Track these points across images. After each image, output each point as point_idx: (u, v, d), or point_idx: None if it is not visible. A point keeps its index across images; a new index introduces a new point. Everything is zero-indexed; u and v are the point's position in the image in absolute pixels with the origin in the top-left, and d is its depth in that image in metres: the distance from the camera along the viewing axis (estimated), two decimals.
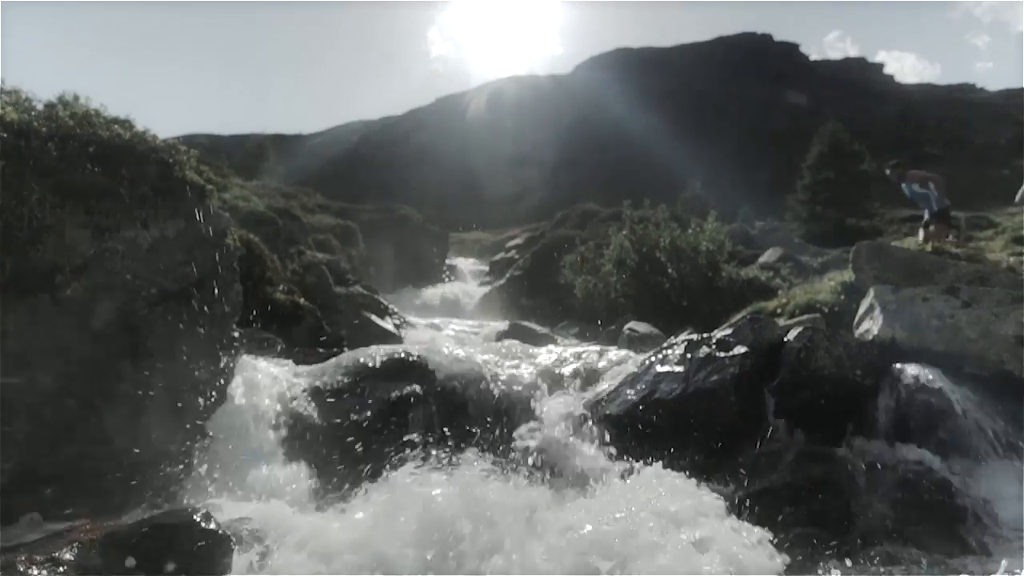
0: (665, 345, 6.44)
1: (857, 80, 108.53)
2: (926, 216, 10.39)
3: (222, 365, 5.67)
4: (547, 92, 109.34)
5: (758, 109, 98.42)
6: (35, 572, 3.06)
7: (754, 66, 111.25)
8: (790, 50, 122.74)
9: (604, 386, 6.22)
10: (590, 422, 5.78)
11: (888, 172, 10.91)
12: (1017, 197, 10.89)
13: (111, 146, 5.27)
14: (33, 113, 5.17)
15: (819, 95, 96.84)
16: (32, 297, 4.57)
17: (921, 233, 10.20)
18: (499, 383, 6.31)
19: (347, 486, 4.81)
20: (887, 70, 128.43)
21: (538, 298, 18.81)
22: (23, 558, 3.12)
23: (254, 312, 7.31)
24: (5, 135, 4.78)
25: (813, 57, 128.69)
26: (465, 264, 31.81)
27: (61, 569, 3.13)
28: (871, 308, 6.46)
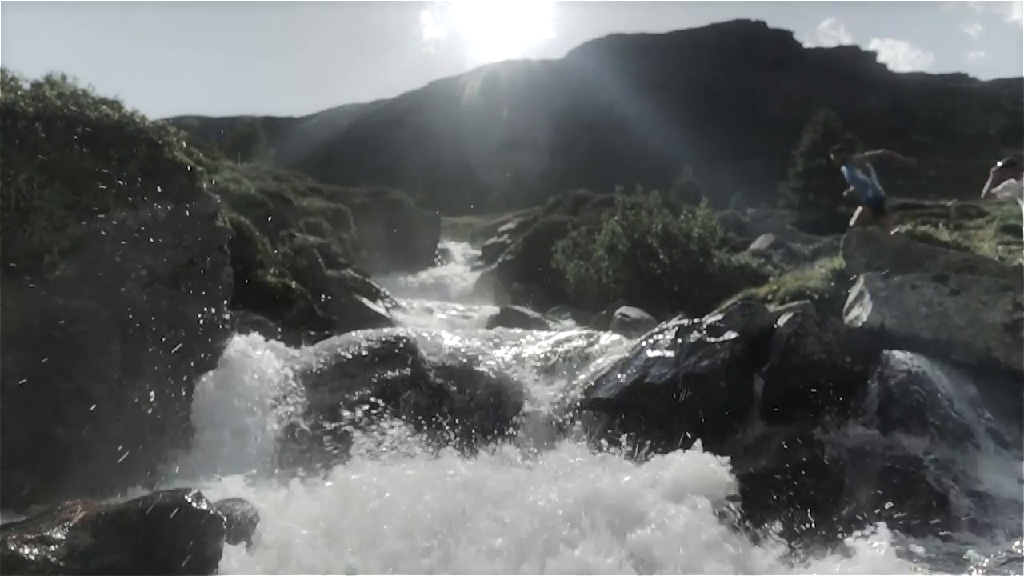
0: (656, 330, 6.46)
1: (850, 69, 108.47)
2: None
3: (213, 347, 5.66)
4: (540, 77, 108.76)
5: (751, 96, 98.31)
6: (26, 551, 3.05)
7: (748, 53, 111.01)
8: (784, 38, 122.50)
9: (595, 370, 6.24)
10: (578, 409, 5.80)
11: (832, 156, 10.80)
12: (983, 193, 10.85)
13: (99, 126, 5.22)
14: (19, 93, 5.12)
15: (812, 83, 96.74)
16: (21, 278, 4.54)
17: (856, 216, 10.04)
18: (490, 368, 6.33)
19: (336, 468, 4.82)
20: (880, 59, 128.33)
21: (530, 283, 18.81)
22: (14, 537, 3.12)
23: (245, 295, 7.28)
24: None
25: (807, 45, 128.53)
26: (457, 248, 31.74)
27: (52, 548, 3.13)
28: (861, 295, 6.50)
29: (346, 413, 5.56)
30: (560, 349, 6.78)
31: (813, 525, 4.31)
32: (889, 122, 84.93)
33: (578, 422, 5.71)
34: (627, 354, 6.18)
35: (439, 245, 29.69)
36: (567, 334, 7.39)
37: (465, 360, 6.36)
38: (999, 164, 10.06)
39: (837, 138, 33.72)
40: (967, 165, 63.20)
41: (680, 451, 4.79)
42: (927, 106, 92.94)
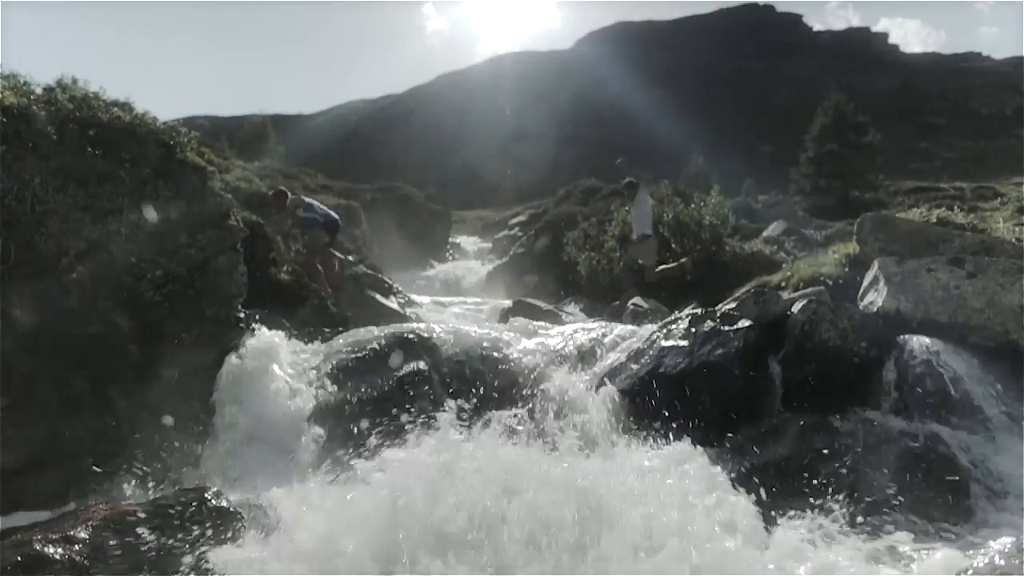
0: (669, 319, 6.45)
1: (861, 51, 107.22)
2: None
3: (229, 346, 5.70)
4: (547, 68, 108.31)
5: (761, 82, 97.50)
6: (51, 551, 3.10)
7: (756, 38, 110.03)
8: (793, 21, 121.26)
9: (609, 361, 6.24)
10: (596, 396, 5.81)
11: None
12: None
13: (111, 129, 5.27)
14: (32, 97, 5.16)
15: (823, 67, 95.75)
16: (38, 280, 4.59)
17: None
18: (505, 359, 6.34)
19: (353, 464, 4.85)
20: (892, 39, 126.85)
21: (542, 275, 18.79)
22: (39, 537, 3.17)
23: (259, 293, 7.33)
24: (5, 119, 4.77)
25: (816, 28, 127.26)
26: (468, 242, 31.76)
27: (76, 547, 3.18)
28: (876, 280, 6.45)
29: (365, 408, 5.59)
30: (573, 340, 6.78)
31: (831, 511, 4.30)
32: (902, 104, 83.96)
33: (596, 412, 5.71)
34: (641, 344, 6.17)
35: (450, 239, 29.73)
36: (580, 325, 7.39)
37: (478, 352, 6.37)
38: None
39: (849, 122, 33.51)
40: (983, 146, 62.44)
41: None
42: (940, 87, 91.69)
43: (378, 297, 10.80)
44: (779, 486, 4.48)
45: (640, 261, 11.95)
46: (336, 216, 10.32)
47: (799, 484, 4.56)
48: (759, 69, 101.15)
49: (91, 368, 4.78)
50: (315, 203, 10.45)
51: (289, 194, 10.34)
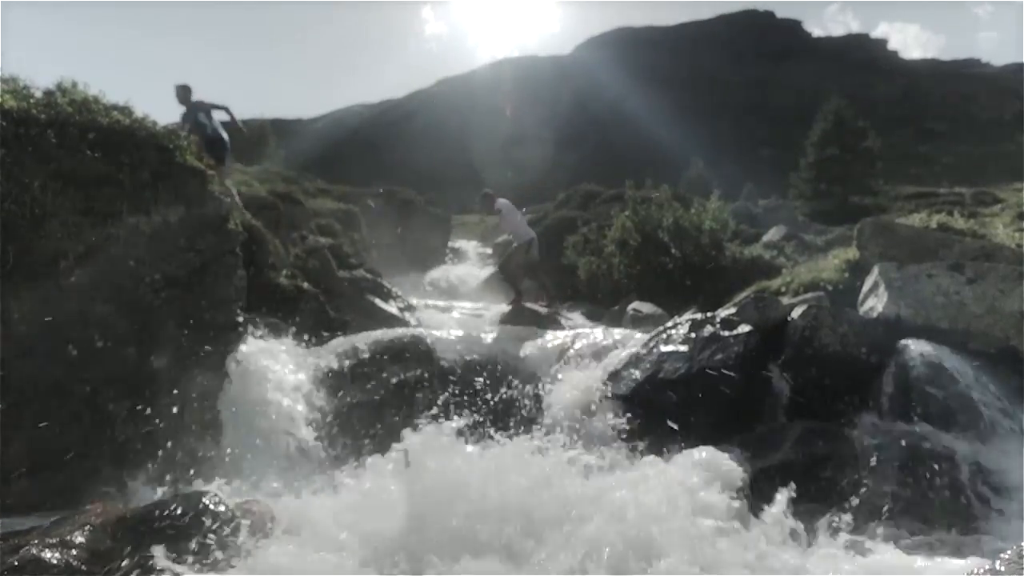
0: (669, 324, 6.44)
1: (861, 57, 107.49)
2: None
3: (228, 350, 5.69)
4: (547, 74, 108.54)
5: (761, 87, 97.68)
6: (48, 555, 3.09)
7: (756, 44, 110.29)
8: (792, 27, 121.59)
9: (609, 366, 6.23)
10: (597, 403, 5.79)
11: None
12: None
13: (111, 132, 5.26)
14: (32, 100, 5.15)
15: (822, 72, 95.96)
16: (36, 284, 4.58)
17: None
18: (504, 364, 6.33)
19: (354, 467, 4.84)
20: (891, 45, 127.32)
21: (542, 279, 18.74)
22: (36, 541, 3.16)
23: (258, 297, 7.32)
24: (4, 123, 4.77)
25: (816, 33, 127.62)
26: (468, 246, 31.73)
27: (73, 552, 3.16)
28: (876, 285, 6.44)
29: (363, 413, 5.59)
30: (573, 345, 6.77)
31: (831, 517, 4.28)
32: (902, 110, 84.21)
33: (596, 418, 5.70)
34: (641, 349, 6.16)
35: (450, 243, 29.71)
36: (580, 330, 7.38)
37: (478, 357, 6.36)
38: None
39: (849, 127, 33.53)
40: (982, 151, 62.54)
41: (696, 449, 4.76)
42: (940, 93, 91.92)
43: (377, 301, 10.77)
44: (779, 491, 4.46)
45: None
46: (224, 137, 9.87)
47: (800, 489, 4.54)
48: (759, 74, 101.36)
49: (89, 371, 4.77)
50: (215, 114, 9.77)
51: (190, 91, 9.79)
